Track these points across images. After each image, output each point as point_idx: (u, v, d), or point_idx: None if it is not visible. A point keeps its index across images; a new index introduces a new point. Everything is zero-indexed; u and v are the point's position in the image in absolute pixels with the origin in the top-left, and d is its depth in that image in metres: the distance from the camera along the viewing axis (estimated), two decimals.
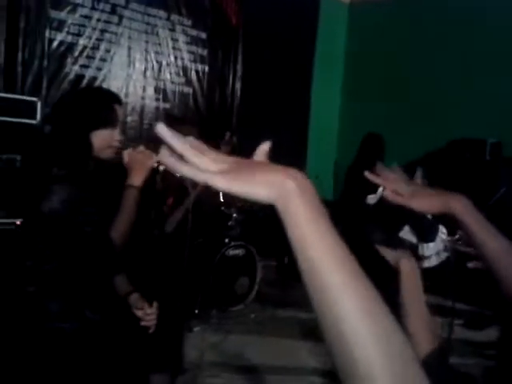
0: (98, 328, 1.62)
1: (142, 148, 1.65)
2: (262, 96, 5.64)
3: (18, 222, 3.40)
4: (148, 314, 1.64)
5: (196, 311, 4.08)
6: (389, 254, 1.01)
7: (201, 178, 0.50)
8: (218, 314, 4.19)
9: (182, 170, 0.51)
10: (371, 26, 6.57)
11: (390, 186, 0.88)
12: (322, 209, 0.50)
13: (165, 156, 0.51)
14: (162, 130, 0.52)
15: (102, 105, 1.60)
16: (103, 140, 1.58)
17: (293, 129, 6.04)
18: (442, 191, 0.87)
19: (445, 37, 5.77)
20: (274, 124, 5.61)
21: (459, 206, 0.83)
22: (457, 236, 0.98)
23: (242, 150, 4.43)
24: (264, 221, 4.48)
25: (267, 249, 4.74)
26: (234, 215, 4.25)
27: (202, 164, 0.51)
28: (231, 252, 4.17)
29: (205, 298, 4.15)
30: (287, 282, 4.77)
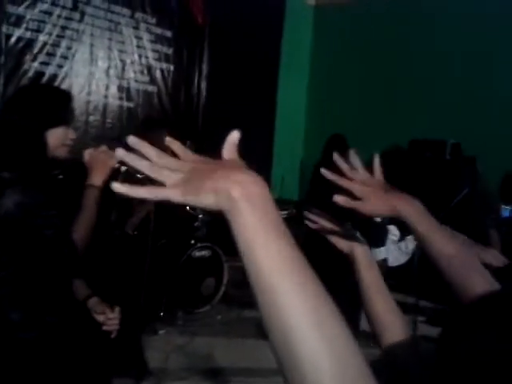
0: (57, 332, 1.57)
1: (104, 148, 1.61)
2: (227, 95, 5.62)
3: None
4: (110, 319, 1.61)
5: (161, 314, 4.02)
6: (341, 242, 1.02)
7: (159, 196, 0.52)
8: (184, 316, 4.14)
9: (139, 193, 0.53)
10: (336, 28, 6.66)
11: (345, 184, 0.88)
12: (271, 213, 0.49)
13: (121, 189, 0.53)
14: (135, 142, 0.55)
15: (58, 103, 1.58)
16: (57, 138, 1.55)
17: (259, 128, 6.04)
18: (393, 193, 0.86)
19: (407, 38, 5.91)
20: (240, 124, 5.48)
21: (408, 209, 0.83)
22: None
23: (208, 149, 4.40)
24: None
25: (234, 249, 4.72)
26: (200, 216, 4.21)
27: (159, 178, 0.53)
28: (197, 253, 4.13)
29: (170, 300, 4.09)
30: None
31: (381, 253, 2.98)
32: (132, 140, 0.54)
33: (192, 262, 4.09)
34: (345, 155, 0.93)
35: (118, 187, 0.53)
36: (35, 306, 1.49)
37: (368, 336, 1.08)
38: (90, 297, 1.67)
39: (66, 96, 1.63)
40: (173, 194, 0.52)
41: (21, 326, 1.46)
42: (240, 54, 5.70)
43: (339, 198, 0.84)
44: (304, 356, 0.43)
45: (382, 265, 3.24)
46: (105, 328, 1.61)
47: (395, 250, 3.06)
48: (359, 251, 0.99)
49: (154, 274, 3.74)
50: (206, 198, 0.50)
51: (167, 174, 0.53)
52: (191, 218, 4.22)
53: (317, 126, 6.66)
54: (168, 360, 3.38)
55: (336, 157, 0.91)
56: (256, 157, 6.26)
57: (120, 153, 0.54)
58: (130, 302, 3.12)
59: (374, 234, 2.77)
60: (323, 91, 6.77)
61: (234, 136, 0.59)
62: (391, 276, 3.76)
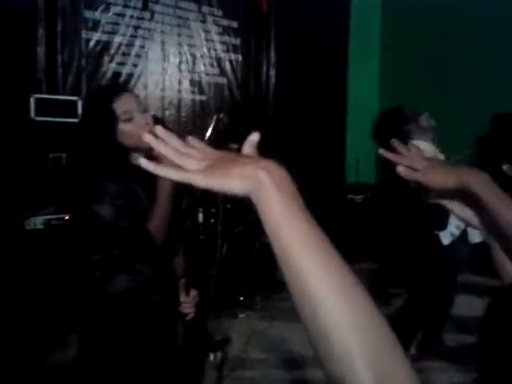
0: (156, 309, 1.68)
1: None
2: (297, 82, 5.58)
3: (67, 218, 3.55)
4: (185, 302, 1.69)
5: (241, 298, 4.13)
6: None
7: (182, 177, 0.55)
8: (262, 301, 4.23)
9: (162, 172, 0.56)
10: (405, 5, 6.35)
11: (405, 161, 0.85)
12: (296, 197, 0.51)
13: (145, 164, 0.56)
14: (146, 137, 0.59)
15: (97, 111, 1.56)
16: (130, 134, 1.54)
17: (331, 113, 5.95)
18: (457, 166, 0.83)
19: (483, 6, 5.50)
20: (311, 109, 5.56)
21: (475, 179, 0.79)
22: None
23: (279, 137, 4.43)
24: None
25: None
26: None
27: (184, 164, 0.56)
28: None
29: (249, 285, 4.19)
30: None
31: (445, 236, 2.86)
32: (159, 131, 0.59)
33: (266, 248, 4.14)
34: None
35: (145, 163, 0.56)
36: (133, 281, 1.62)
37: None
38: (180, 277, 1.76)
39: (109, 94, 1.59)
40: (196, 178, 0.54)
41: (119, 298, 1.61)
42: (307, 39, 5.63)
43: (401, 169, 0.82)
44: (332, 328, 0.44)
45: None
46: (182, 310, 1.70)
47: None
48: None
49: (231, 259, 3.85)
50: (232, 183, 0.52)
51: (191, 161, 0.56)
52: None
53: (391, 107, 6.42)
54: (248, 343, 3.47)
55: (396, 143, 0.89)
56: (328, 141, 6.19)
57: (147, 137, 0.58)
58: (210, 288, 3.24)
59: (434, 217, 2.65)
60: (396, 72, 6.50)
61: (254, 137, 0.60)
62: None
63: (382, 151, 0.88)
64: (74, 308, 3.36)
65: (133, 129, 1.55)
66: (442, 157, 2.85)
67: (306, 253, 0.47)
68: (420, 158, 0.86)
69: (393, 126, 3.27)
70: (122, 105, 1.55)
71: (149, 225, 1.53)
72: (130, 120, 1.54)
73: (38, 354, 3.19)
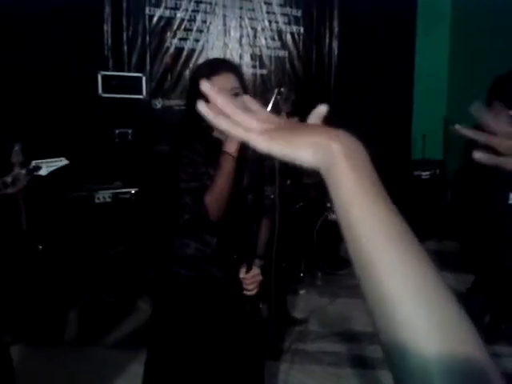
0: (221, 285, 1.73)
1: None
2: (361, 53, 5.36)
3: (133, 191, 3.67)
4: (245, 279, 1.69)
5: (301, 275, 4.12)
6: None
7: (242, 135, 0.49)
8: (324, 278, 4.20)
9: (222, 124, 0.50)
10: None
11: (487, 140, 0.76)
12: (370, 172, 0.45)
13: (205, 110, 0.51)
14: (205, 87, 0.52)
15: (195, 85, 1.57)
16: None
17: (396, 85, 5.69)
18: None
19: None
20: (376, 82, 5.34)
21: None
22: None
23: (341, 110, 4.29)
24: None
25: None
26: None
27: (245, 122, 0.50)
28: (334, 216, 4.11)
29: (309, 261, 4.17)
30: None
31: None
32: (204, 86, 0.52)
33: (329, 224, 4.09)
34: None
35: (203, 109, 0.51)
36: (198, 253, 1.70)
37: None
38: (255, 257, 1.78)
39: (206, 71, 1.62)
40: (258, 140, 0.48)
41: (180, 262, 1.71)
42: (372, 7, 5.37)
43: (479, 155, 0.74)
44: (401, 321, 0.40)
45: None
46: (243, 286, 1.70)
47: None
48: None
49: (292, 235, 3.83)
50: (300, 152, 0.47)
51: (253, 120, 0.51)
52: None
53: (460, 82, 6.04)
54: (309, 319, 3.47)
55: (475, 108, 0.79)
56: (394, 116, 5.95)
57: (204, 86, 0.52)
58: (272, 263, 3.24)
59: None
60: (467, 43, 6.07)
61: (322, 109, 0.54)
62: None
63: (457, 127, 0.79)
64: (142, 274, 3.52)
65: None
66: None
67: (376, 245, 0.42)
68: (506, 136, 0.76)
69: None
70: (220, 81, 1.57)
71: (205, 197, 1.54)
72: None
73: (110, 316, 3.38)
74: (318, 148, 0.46)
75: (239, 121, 0.51)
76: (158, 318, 1.82)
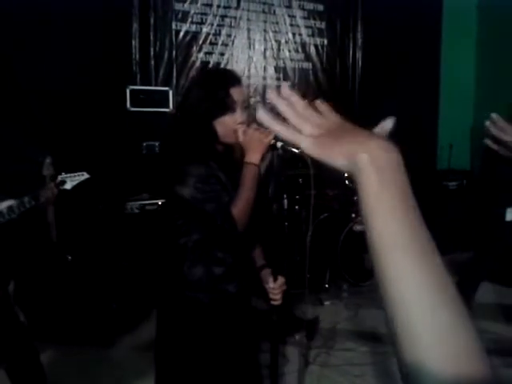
0: (233, 301, 1.71)
1: (254, 125, 1.59)
2: (385, 63, 5.35)
3: (160, 203, 3.74)
4: (273, 289, 1.70)
5: (326, 285, 4.11)
6: None
7: (292, 138, 0.55)
8: (349, 289, 4.17)
9: (276, 128, 0.56)
10: None
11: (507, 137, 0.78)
12: (400, 183, 0.48)
13: (262, 114, 0.57)
14: (270, 94, 0.58)
15: (215, 94, 1.59)
16: (226, 126, 1.59)
17: (422, 95, 5.64)
18: None
19: None
20: (401, 91, 5.31)
21: None
22: None
23: (366, 122, 4.27)
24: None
25: None
26: None
27: (299, 126, 0.55)
28: (358, 227, 4.09)
29: (335, 272, 4.15)
30: None
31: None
32: (284, 90, 0.58)
33: (353, 235, 4.08)
34: None
35: (261, 114, 0.57)
36: (212, 272, 1.65)
37: None
38: (263, 267, 1.79)
39: (226, 81, 1.62)
40: (305, 142, 0.54)
41: (197, 286, 1.64)
42: (396, 18, 5.36)
43: (489, 142, 0.77)
44: (420, 335, 0.42)
45: None
46: (270, 296, 1.71)
47: None
48: None
49: (316, 246, 3.83)
50: (336, 158, 0.51)
51: (307, 125, 0.55)
52: (351, 191, 4.19)
53: (488, 88, 5.95)
54: (334, 331, 3.45)
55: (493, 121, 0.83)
56: (419, 125, 5.88)
57: (271, 95, 0.58)
58: (295, 274, 3.25)
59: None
60: (493, 52, 5.99)
61: (388, 123, 0.58)
62: None
63: (488, 122, 0.81)
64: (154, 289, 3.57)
65: (231, 121, 1.59)
66: None
67: (397, 255, 0.44)
68: None
69: None
70: (236, 93, 1.59)
71: (232, 209, 1.54)
72: (233, 110, 1.59)
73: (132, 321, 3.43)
74: (350, 156, 0.49)
75: (295, 125, 0.56)
76: (168, 337, 1.74)
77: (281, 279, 1.72)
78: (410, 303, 0.43)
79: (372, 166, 0.47)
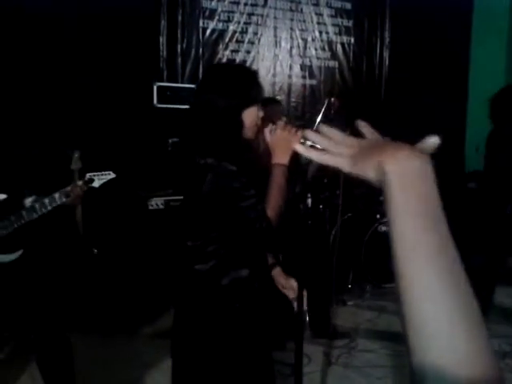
0: (257, 295, 1.69)
1: (280, 123, 1.60)
2: (412, 62, 5.27)
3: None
4: (287, 288, 1.71)
5: (349, 286, 4.08)
6: None
7: (334, 162, 0.59)
8: (372, 290, 4.13)
9: (322, 158, 0.61)
10: None
11: None
12: (424, 195, 0.49)
13: (307, 151, 0.63)
14: (300, 149, 0.65)
15: (251, 82, 1.59)
16: (252, 118, 1.57)
17: (449, 96, 5.55)
18: None
19: None
20: (427, 92, 5.23)
21: None
22: None
23: (392, 122, 4.23)
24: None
25: None
26: None
27: (338, 150, 0.60)
28: (383, 228, 4.05)
29: (358, 273, 4.12)
30: None
31: None
32: (311, 136, 0.64)
33: (378, 236, 4.03)
34: None
35: (301, 149, 0.64)
36: (240, 276, 1.63)
37: None
38: (274, 266, 1.78)
39: (255, 74, 1.65)
40: (342, 163, 0.58)
41: (228, 291, 1.60)
42: (424, 16, 5.28)
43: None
44: (434, 340, 0.43)
45: None
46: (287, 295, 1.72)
47: None
48: None
49: (340, 246, 3.80)
50: (368, 171, 0.54)
51: (342, 148, 0.60)
52: (376, 192, 4.14)
53: None
54: (357, 331, 3.42)
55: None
56: (446, 127, 5.80)
57: (301, 150, 0.64)
58: (320, 274, 3.24)
59: None
60: None
61: (434, 140, 0.59)
62: None
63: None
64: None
65: (255, 114, 1.59)
66: None
67: (414, 268, 0.45)
68: None
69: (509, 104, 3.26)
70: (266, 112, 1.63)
71: (268, 211, 1.52)
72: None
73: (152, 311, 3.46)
74: (379, 168, 0.52)
75: (334, 152, 0.60)
76: (184, 328, 1.70)
77: (292, 281, 1.72)
78: (428, 312, 0.44)
79: (397, 175, 0.50)
